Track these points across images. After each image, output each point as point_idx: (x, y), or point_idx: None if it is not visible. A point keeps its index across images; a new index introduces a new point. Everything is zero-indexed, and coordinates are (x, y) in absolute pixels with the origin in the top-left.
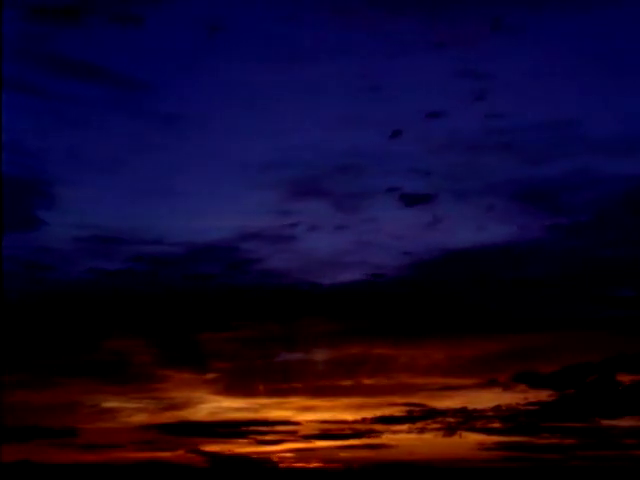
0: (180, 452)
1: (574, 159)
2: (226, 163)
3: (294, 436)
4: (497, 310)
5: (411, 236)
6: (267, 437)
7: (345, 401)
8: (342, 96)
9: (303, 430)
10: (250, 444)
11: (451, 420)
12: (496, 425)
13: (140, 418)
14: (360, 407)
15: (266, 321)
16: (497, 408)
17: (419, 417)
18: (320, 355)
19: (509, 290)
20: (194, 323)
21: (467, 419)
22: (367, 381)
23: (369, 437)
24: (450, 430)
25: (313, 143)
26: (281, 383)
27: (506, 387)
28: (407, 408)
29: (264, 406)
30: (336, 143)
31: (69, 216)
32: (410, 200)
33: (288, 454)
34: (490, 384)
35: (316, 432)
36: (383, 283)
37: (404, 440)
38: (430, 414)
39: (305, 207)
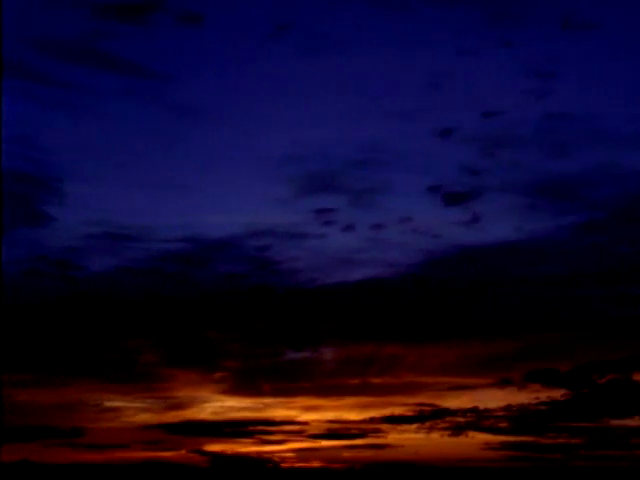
0: (183, 452)
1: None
2: (248, 157)
3: (300, 436)
4: (511, 308)
5: (433, 235)
6: (273, 437)
7: (355, 400)
8: (398, 92)
9: (310, 430)
10: (255, 444)
11: (461, 420)
12: (504, 425)
13: (144, 418)
14: (368, 407)
15: (274, 320)
16: (508, 407)
17: (429, 417)
18: (327, 354)
19: (524, 288)
20: (201, 322)
21: (477, 419)
22: (376, 380)
23: (374, 437)
24: (458, 430)
25: (351, 138)
26: (288, 382)
27: (520, 386)
28: (417, 408)
29: (270, 405)
30: (382, 139)
31: (80, 213)
32: (450, 199)
33: (290, 454)
34: (503, 383)
35: (322, 432)
36: (395, 281)
37: (410, 440)
38: (440, 414)
39: (329, 203)
